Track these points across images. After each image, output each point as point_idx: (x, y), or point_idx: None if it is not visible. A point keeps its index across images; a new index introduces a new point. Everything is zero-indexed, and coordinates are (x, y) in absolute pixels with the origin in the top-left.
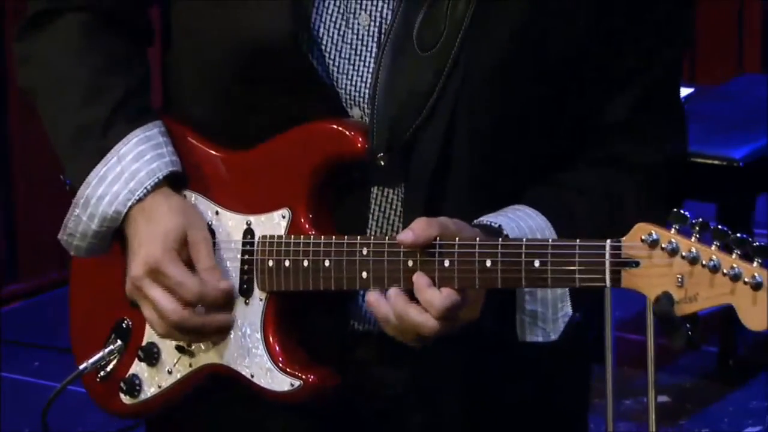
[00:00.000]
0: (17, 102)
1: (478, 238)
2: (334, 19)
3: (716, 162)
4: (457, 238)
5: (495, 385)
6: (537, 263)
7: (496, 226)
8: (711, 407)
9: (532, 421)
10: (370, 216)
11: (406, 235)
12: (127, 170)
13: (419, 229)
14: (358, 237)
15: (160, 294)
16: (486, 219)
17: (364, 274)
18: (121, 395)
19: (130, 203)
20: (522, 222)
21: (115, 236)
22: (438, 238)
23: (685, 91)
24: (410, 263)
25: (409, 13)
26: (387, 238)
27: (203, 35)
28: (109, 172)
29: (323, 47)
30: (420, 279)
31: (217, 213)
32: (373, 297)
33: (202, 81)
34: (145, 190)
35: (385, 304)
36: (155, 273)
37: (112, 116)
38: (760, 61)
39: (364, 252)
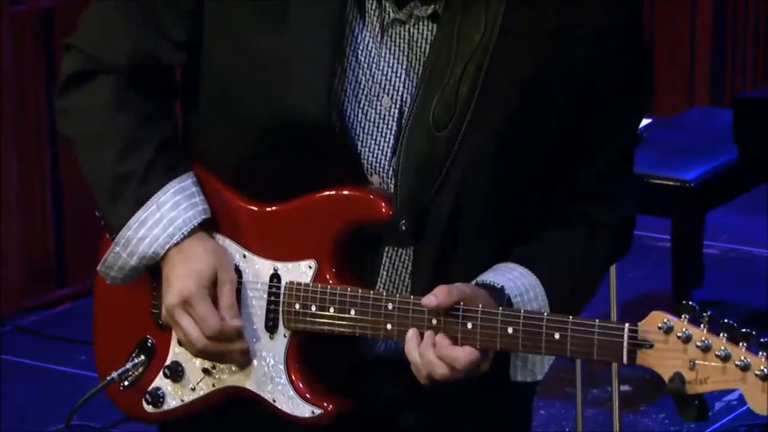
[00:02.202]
0: None
1: (501, 308)
2: (359, 101)
3: (671, 183)
4: (480, 305)
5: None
6: (557, 336)
7: (499, 286)
8: (666, 396)
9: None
10: (382, 267)
11: (430, 300)
12: (166, 217)
13: (442, 296)
14: (384, 293)
15: (189, 323)
16: (488, 279)
17: (389, 326)
18: (145, 404)
19: (168, 246)
20: (518, 281)
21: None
22: (459, 303)
23: (644, 122)
24: (434, 321)
25: (426, 99)
26: (411, 297)
27: (240, 106)
28: (149, 217)
29: (350, 124)
30: (442, 340)
31: (244, 256)
32: (409, 344)
33: (233, 142)
34: (182, 235)
35: (414, 354)
36: (187, 304)
37: (149, 167)
38: (709, 96)
39: (389, 306)
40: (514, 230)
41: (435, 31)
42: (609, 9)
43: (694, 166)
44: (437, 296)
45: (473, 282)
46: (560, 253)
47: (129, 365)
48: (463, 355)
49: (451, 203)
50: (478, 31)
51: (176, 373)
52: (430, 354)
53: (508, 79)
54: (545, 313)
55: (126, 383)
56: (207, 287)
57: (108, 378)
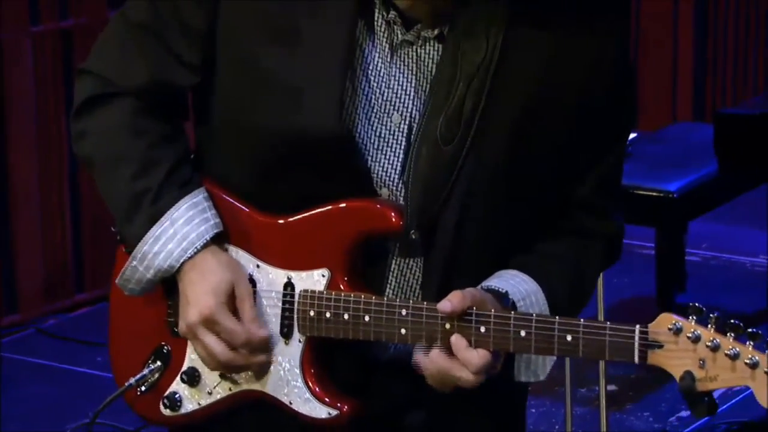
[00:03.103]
0: None
1: (513, 312)
2: (369, 118)
3: (655, 193)
4: (492, 310)
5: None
6: (569, 338)
7: (503, 291)
8: (651, 395)
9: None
10: (391, 276)
11: (445, 306)
12: (179, 232)
13: (456, 301)
14: (396, 299)
15: (213, 340)
16: (493, 284)
17: (403, 331)
18: (163, 408)
19: (182, 260)
20: (520, 287)
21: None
22: (471, 307)
23: (630, 136)
24: (448, 326)
25: (433, 115)
26: (425, 303)
27: (252, 125)
28: (163, 233)
29: (360, 141)
30: (459, 341)
31: (258, 266)
32: (419, 357)
33: (245, 159)
34: (195, 249)
35: (428, 362)
36: (209, 322)
37: (162, 186)
38: (691, 112)
39: (403, 312)
40: (516, 240)
41: (441, 51)
42: (602, 37)
43: (676, 178)
44: (452, 301)
45: (479, 287)
46: (557, 262)
47: (146, 371)
48: (477, 357)
49: (458, 214)
50: (481, 51)
51: (193, 378)
52: (442, 361)
53: (510, 96)
54: (556, 317)
55: (143, 388)
56: (225, 302)
57: (126, 384)
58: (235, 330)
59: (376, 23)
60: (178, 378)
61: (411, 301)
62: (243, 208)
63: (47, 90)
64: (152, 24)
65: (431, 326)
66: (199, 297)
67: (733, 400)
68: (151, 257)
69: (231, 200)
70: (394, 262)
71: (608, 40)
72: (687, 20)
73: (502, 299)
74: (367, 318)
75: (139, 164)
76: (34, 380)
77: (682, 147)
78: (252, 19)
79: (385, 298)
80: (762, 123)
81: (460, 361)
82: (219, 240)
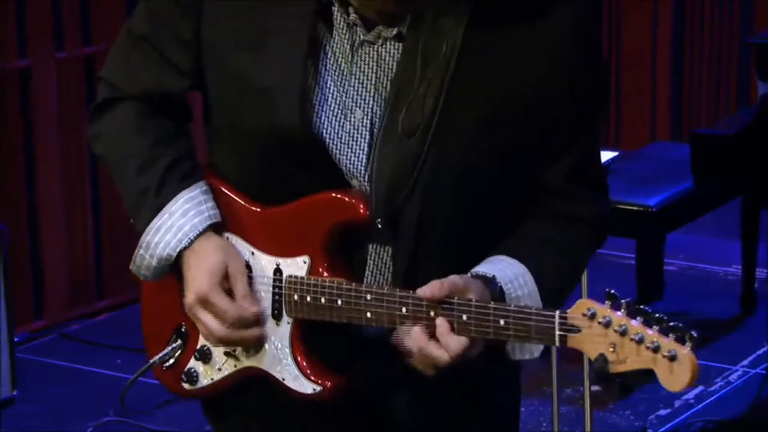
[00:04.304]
0: None
1: (492, 303)
2: (335, 115)
3: (635, 207)
4: (473, 297)
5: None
6: (502, 322)
7: (491, 276)
8: (632, 395)
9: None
10: (368, 263)
11: (424, 292)
12: (176, 224)
13: (434, 289)
14: (363, 285)
15: (208, 318)
16: (480, 270)
17: (369, 314)
18: (183, 383)
19: (178, 249)
20: (507, 270)
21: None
22: (453, 296)
23: (611, 155)
24: (432, 313)
25: (395, 110)
26: (385, 288)
27: (236, 124)
28: (162, 225)
29: (327, 136)
30: (442, 324)
31: (252, 253)
32: (401, 334)
33: (234, 151)
34: (189, 240)
35: (409, 339)
36: (204, 302)
37: (162, 180)
38: (669, 131)
39: (368, 297)
40: (485, 227)
41: (401, 49)
42: (559, 29)
43: (655, 193)
44: (431, 288)
45: (468, 273)
46: (539, 243)
47: (168, 349)
48: (456, 342)
49: (422, 203)
50: (441, 48)
51: (205, 355)
52: (422, 340)
53: (471, 90)
54: (492, 304)
55: (167, 364)
56: (220, 281)
57: (150, 360)
58: (227, 308)
59: (337, 25)
60: (193, 356)
61: (374, 287)
62: (238, 199)
63: (71, 112)
64: (149, 35)
65: (392, 311)
66: (195, 279)
67: (709, 399)
68: (153, 246)
69: (228, 192)
70: (371, 248)
71: (565, 33)
72: (665, 46)
73: (490, 284)
74: (339, 302)
75: (142, 161)
76: (58, 381)
77: (661, 164)
78: (227, 27)
79: (354, 284)
80: (734, 142)
81: (440, 343)
82: (217, 228)
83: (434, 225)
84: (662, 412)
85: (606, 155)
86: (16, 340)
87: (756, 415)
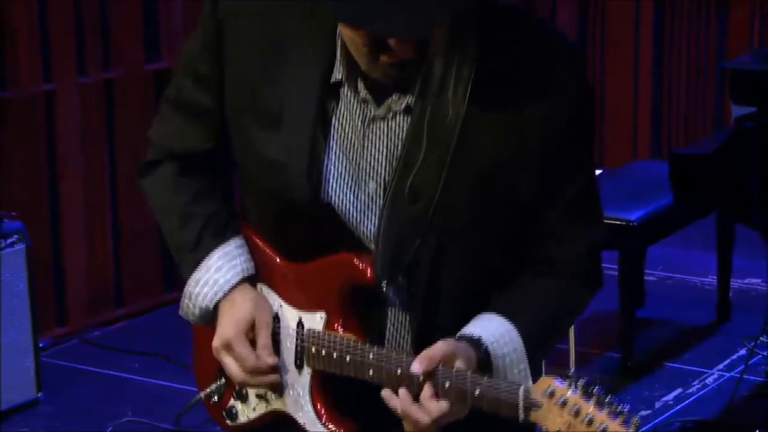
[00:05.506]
0: (123, 149)
1: (469, 372)
2: (349, 186)
3: (618, 222)
4: (459, 363)
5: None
6: (477, 391)
7: (476, 337)
8: (614, 397)
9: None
10: (388, 320)
11: (415, 368)
12: (212, 279)
13: (426, 363)
14: (367, 345)
15: (230, 361)
16: (467, 331)
17: (371, 372)
18: (225, 419)
19: (214, 301)
20: (494, 330)
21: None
22: (441, 364)
23: (595, 172)
24: (421, 378)
25: (402, 177)
26: (384, 350)
27: (254, 184)
28: (201, 278)
29: (341, 205)
30: (427, 390)
31: (281, 306)
32: (386, 393)
33: (256, 208)
34: (223, 293)
35: (395, 399)
36: (228, 347)
37: (199, 237)
38: (649, 151)
39: (370, 356)
40: (490, 282)
41: (409, 120)
42: (557, 94)
43: (637, 209)
44: (420, 363)
45: (457, 335)
46: (531, 297)
47: (213, 387)
48: (437, 408)
49: (430, 265)
50: (446, 116)
51: (242, 396)
52: (406, 402)
53: (474, 155)
54: (469, 374)
55: (212, 400)
56: (246, 331)
57: (198, 395)
58: (247, 356)
59: (347, 102)
60: (233, 395)
61: (375, 348)
62: (270, 252)
63: (92, 132)
64: (179, 101)
65: (390, 371)
66: (224, 326)
67: (687, 401)
68: (194, 297)
69: (262, 245)
70: (390, 310)
71: (563, 94)
72: (646, 71)
73: (475, 345)
74: (347, 358)
75: (181, 218)
76: (79, 384)
77: (642, 182)
78: (245, 103)
79: (360, 342)
80: (710, 161)
81: (423, 406)
82: (252, 279)
83: (444, 285)
84: (643, 412)
85: None
86: (40, 345)
87: (731, 415)
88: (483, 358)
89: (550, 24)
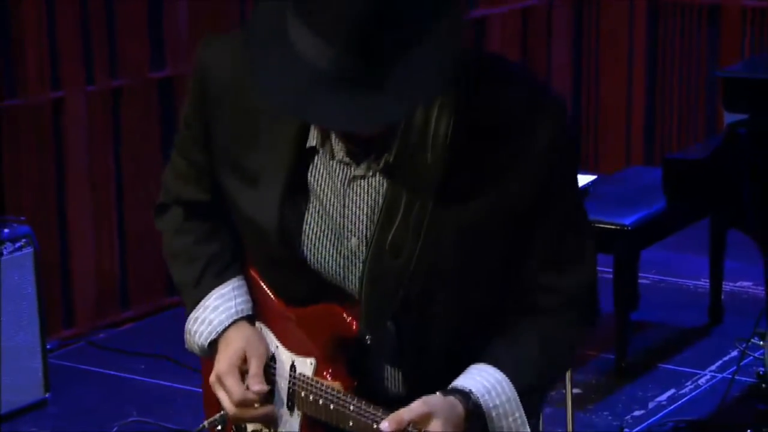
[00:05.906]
0: (129, 155)
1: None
2: (332, 243)
3: (612, 226)
4: (434, 424)
5: None
6: None
7: (467, 390)
8: (610, 397)
9: None
10: (383, 367)
11: (384, 426)
12: (208, 318)
13: (394, 424)
14: (348, 396)
15: (222, 395)
16: (458, 384)
17: (351, 423)
18: None
19: (210, 339)
20: (486, 381)
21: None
22: (411, 425)
23: (590, 178)
24: None
25: (383, 234)
26: (363, 404)
27: (242, 235)
28: (199, 316)
29: (323, 262)
30: None
31: (277, 347)
32: None
33: (251, 257)
34: (216, 333)
35: None
36: (220, 381)
37: (200, 277)
38: (642, 156)
39: (351, 408)
40: (481, 328)
41: (388, 177)
42: (536, 150)
43: (630, 213)
44: (390, 424)
45: (448, 388)
46: (523, 346)
47: (217, 416)
48: None
49: (417, 315)
50: (424, 176)
51: (240, 428)
52: None
53: (454, 207)
54: None
55: (217, 429)
56: (238, 365)
57: (204, 422)
58: (235, 390)
59: (327, 164)
60: (233, 428)
61: (355, 399)
62: (269, 294)
63: (99, 138)
64: (182, 152)
65: (367, 425)
66: (218, 361)
67: (680, 401)
68: (194, 334)
69: (262, 285)
70: (380, 357)
71: (543, 149)
72: (640, 79)
73: (465, 398)
74: (331, 406)
75: (184, 259)
76: (86, 384)
77: (635, 187)
78: (227, 160)
79: (343, 393)
80: (703, 167)
81: None
82: (251, 317)
83: (430, 333)
84: (637, 412)
85: (585, 179)
86: (48, 347)
87: (722, 415)
88: (473, 410)
89: (533, 74)
